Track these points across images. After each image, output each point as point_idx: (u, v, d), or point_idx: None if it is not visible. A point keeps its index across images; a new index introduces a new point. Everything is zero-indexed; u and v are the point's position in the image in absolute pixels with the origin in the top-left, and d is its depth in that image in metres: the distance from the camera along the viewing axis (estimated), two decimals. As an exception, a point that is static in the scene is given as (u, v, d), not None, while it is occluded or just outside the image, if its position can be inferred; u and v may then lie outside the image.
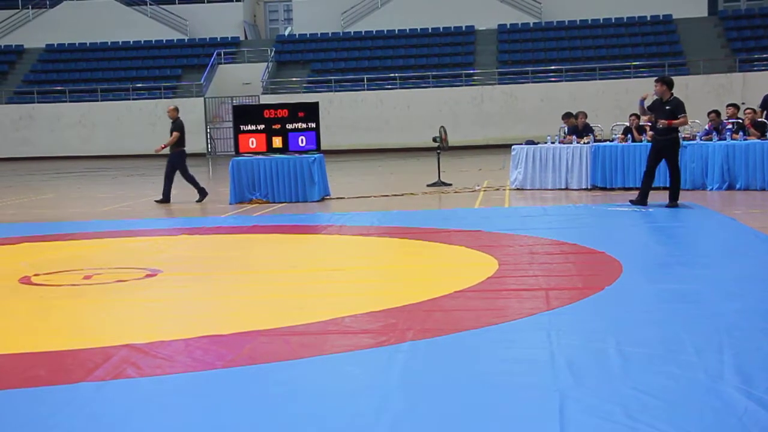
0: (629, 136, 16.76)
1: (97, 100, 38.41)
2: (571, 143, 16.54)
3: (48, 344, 6.00)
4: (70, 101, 38.34)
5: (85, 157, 36.60)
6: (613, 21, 39.81)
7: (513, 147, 17.36)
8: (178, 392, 4.90)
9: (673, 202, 12.53)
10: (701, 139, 15.96)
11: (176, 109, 17.07)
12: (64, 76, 40.55)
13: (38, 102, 38.84)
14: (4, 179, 26.60)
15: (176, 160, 16.48)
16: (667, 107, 12.46)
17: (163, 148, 16.75)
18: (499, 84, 37.38)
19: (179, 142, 16.49)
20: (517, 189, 16.72)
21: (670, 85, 12.64)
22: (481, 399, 4.52)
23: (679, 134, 12.94)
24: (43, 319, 7.00)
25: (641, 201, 12.78)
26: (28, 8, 43.10)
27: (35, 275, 8.64)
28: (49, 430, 4.26)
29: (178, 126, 16.59)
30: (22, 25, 42.95)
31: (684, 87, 29.58)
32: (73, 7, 42.32)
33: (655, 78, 13.18)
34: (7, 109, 38.71)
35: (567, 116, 17.40)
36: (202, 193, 16.55)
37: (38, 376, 5.21)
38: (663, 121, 12.39)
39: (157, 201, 16.59)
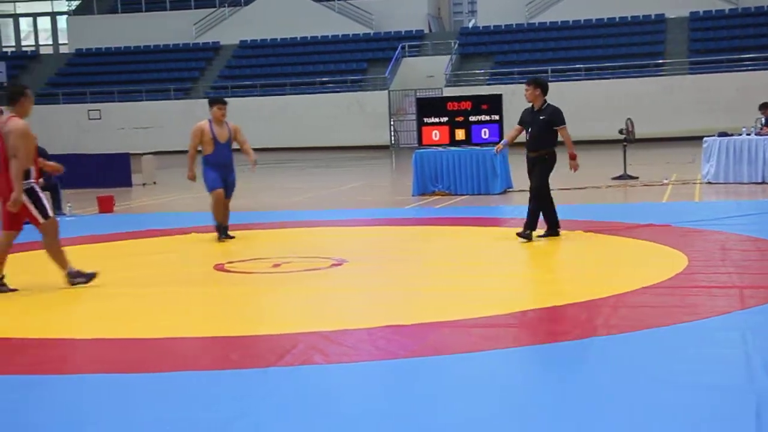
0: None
1: (285, 94, 39.65)
2: (769, 135, 15.76)
3: (240, 329, 6.26)
4: (261, 95, 39.75)
5: (273, 149, 37.90)
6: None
7: (705, 139, 16.73)
8: (363, 380, 5.00)
9: (552, 230, 10.00)
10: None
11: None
12: (256, 71, 42.07)
13: (232, 96, 40.49)
14: (200, 169, 27.86)
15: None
16: (541, 117, 9.88)
17: None
18: (690, 74, 36.02)
19: None
20: (709, 183, 16.08)
21: (546, 89, 10.01)
22: (670, 399, 4.38)
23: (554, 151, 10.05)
24: (235, 304, 7.31)
25: None
26: (225, 6, 44.96)
27: (228, 263, 9.02)
28: (240, 412, 4.45)
29: None
30: (218, 23, 44.86)
31: None
32: (266, 4, 43.80)
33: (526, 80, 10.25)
34: (204, 104, 40.45)
35: (765, 106, 16.57)
36: None
37: (231, 360, 5.45)
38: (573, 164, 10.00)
39: None
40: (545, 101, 9.95)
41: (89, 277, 7.87)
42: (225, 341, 5.94)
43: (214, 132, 10.75)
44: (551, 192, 10.13)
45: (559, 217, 10.08)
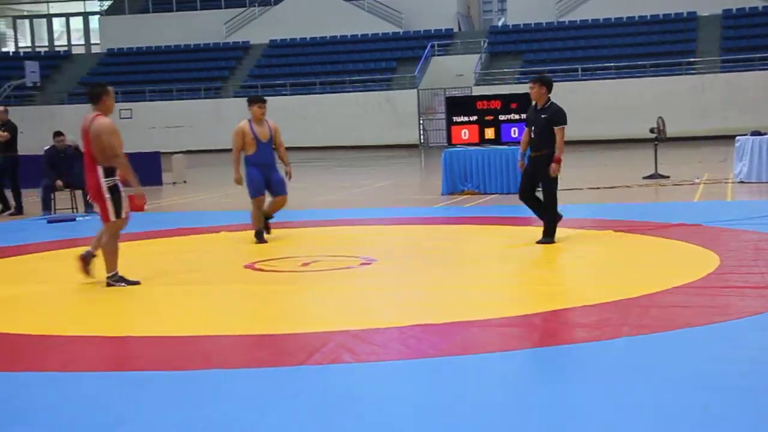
0: None
1: (315, 93, 39.76)
2: (802, 134, 15.59)
3: (270, 327, 6.29)
4: (291, 94, 39.88)
5: (302, 148, 38.01)
6: None
7: (737, 138, 16.58)
8: (392, 379, 5.01)
9: (547, 238, 9.66)
10: None
11: (6, 111, 15.50)
12: (285, 70, 42.21)
13: (262, 95, 40.63)
14: (230, 169, 27.98)
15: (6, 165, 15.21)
16: (543, 115, 9.59)
17: None
18: (721, 72, 35.71)
19: (10, 147, 15.20)
20: (741, 182, 15.94)
21: (551, 86, 9.71)
22: (700, 400, 4.35)
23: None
24: (265, 303, 7.35)
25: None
26: (255, 6, 45.15)
27: (259, 261, 9.06)
28: (270, 410, 4.47)
29: (11, 128, 15.32)
30: (248, 23, 45.05)
31: None
32: (296, 3, 43.92)
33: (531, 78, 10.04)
34: (233, 103, 40.67)
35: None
36: (8, 208, 15.33)
37: (261, 358, 5.48)
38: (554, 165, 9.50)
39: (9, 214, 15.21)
40: (549, 99, 9.65)
41: (131, 284, 7.87)
42: (255, 339, 5.97)
43: (255, 132, 10.57)
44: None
45: (590, 216, 10.02)
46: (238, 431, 4.19)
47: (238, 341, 5.99)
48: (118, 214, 7.87)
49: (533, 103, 9.76)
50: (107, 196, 7.80)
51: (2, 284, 8.39)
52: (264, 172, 10.61)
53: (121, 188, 7.94)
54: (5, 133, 14.99)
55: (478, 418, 4.22)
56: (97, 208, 8.10)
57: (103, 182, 7.79)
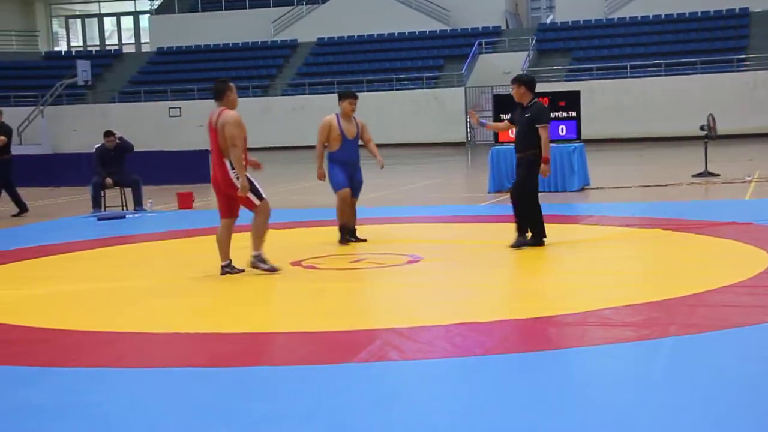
0: None
1: (362, 91, 39.84)
2: None
3: (316, 325, 6.33)
4: (337, 93, 39.94)
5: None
6: None
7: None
8: (438, 376, 5.02)
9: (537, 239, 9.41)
10: None
11: (0, 113, 15.33)
12: (333, 68, 42.35)
13: (310, 93, 40.80)
14: (278, 166, 28.17)
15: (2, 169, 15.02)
16: (526, 114, 9.39)
17: None
18: (774, 69, 35.15)
19: (4, 150, 15.02)
20: (794, 180, 15.70)
21: (532, 86, 9.58)
22: (750, 400, 4.31)
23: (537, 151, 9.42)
24: (312, 300, 7.39)
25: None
26: (303, 4, 45.36)
27: (305, 259, 9.12)
28: (316, 407, 4.50)
29: (6, 131, 15.13)
30: (296, 21, 45.26)
31: None
32: (343, 1, 44.03)
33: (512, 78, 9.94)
34: (282, 101, 40.94)
35: None
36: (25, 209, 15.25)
37: (308, 355, 5.52)
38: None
39: (14, 215, 15.08)
40: (533, 99, 9.45)
41: (272, 270, 8.24)
42: (301, 337, 6.02)
43: (342, 128, 10.08)
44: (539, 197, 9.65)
45: (638, 214, 9.92)
46: (286, 428, 4.23)
47: (286, 338, 6.04)
48: (259, 197, 8.26)
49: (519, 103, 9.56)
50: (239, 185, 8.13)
51: (54, 281, 8.54)
52: (347, 170, 10.20)
53: (249, 175, 8.29)
54: (2, 137, 14.88)
55: (527, 417, 4.22)
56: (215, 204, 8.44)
57: (232, 173, 8.13)
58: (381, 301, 7.20)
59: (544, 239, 9.39)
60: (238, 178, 8.09)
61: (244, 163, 8.20)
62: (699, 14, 38.90)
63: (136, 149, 15.29)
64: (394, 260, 8.93)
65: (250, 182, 8.22)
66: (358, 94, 10.86)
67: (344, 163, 10.19)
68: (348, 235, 10.21)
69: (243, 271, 8.30)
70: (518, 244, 9.26)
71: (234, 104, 8.28)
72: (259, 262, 8.26)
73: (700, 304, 6.31)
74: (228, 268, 8.32)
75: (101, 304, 7.37)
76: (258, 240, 8.31)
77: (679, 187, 15.73)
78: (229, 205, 8.36)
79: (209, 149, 8.50)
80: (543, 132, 9.22)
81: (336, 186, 10.18)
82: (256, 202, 8.24)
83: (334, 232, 10.36)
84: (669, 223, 10.56)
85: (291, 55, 44.56)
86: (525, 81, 9.53)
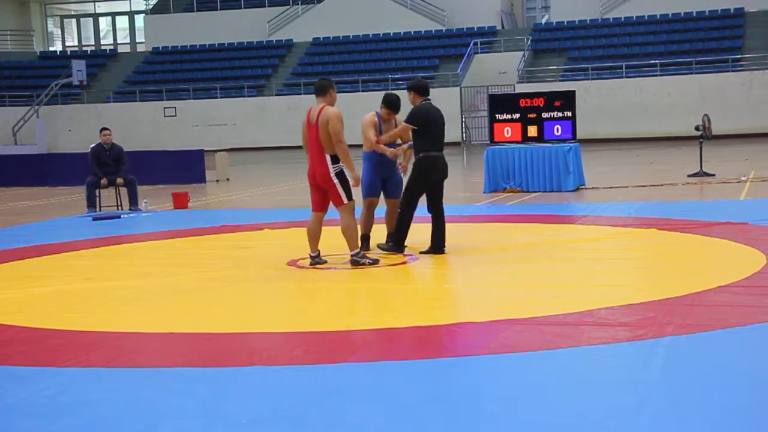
0: None
1: (358, 91, 39.82)
2: None
3: (312, 325, 6.32)
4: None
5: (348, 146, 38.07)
6: None
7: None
8: (438, 377, 5.01)
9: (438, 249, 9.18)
10: None
11: None
12: (328, 68, 42.31)
13: (304, 93, 40.78)
14: (273, 166, 28.15)
15: None
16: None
17: None
18: (769, 69, 35.20)
19: None
20: (789, 180, 15.72)
21: (419, 90, 9.45)
22: (748, 399, 4.31)
23: (427, 155, 9.18)
24: (308, 300, 7.39)
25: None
26: (298, 4, 45.34)
27: (301, 259, 9.11)
28: (313, 407, 4.49)
29: None
30: (291, 21, 45.23)
31: None
32: (339, 1, 44.03)
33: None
34: (277, 101, 40.91)
35: None
36: None
37: (303, 354, 5.51)
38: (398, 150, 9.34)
39: None
40: (424, 102, 9.32)
41: (374, 261, 8.54)
42: (297, 336, 6.01)
43: (382, 129, 9.52)
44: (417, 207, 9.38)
45: (634, 214, 9.91)
46: (282, 428, 4.22)
47: (281, 338, 6.03)
48: (348, 196, 8.51)
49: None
50: (335, 181, 8.44)
51: (49, 281, 8.52)
52: (382, 172, 9.55)
53: (347, 174, 8.53)
54: None
55: (526, 416, 4.21)
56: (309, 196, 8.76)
57: (331, 168, 8.42)
58: (378, 300, 7.19)
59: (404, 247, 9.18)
60: (336, 173, 8.39)
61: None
62: (694, 14, 38.95)
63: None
64: (390, 260, 8.91)
65: (345, 181, 8.49)
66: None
67: (380, 164, 9.55)
68: (364, 242, 9.43)
69: (326, 262, 8.66)
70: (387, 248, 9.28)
71: (334, 101, 8.58)
72: (360, 259, 8.52)
73: (695, 304, 6.31)
74: (317, 259, 8.66)
75: (96, 304, 7.35)
76: (351, 240, 8.58)
77: (675, 187, 15.75)
78: (322, 199, 8.63)
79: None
80: (401, 125, 9.26)
81: (365, 191, 9.54)
82: (344, 199, 8.49)
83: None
84: (664, 223, 10.57)
85: (286, 54, 44.53)
86: (413, 87, 9.50)
